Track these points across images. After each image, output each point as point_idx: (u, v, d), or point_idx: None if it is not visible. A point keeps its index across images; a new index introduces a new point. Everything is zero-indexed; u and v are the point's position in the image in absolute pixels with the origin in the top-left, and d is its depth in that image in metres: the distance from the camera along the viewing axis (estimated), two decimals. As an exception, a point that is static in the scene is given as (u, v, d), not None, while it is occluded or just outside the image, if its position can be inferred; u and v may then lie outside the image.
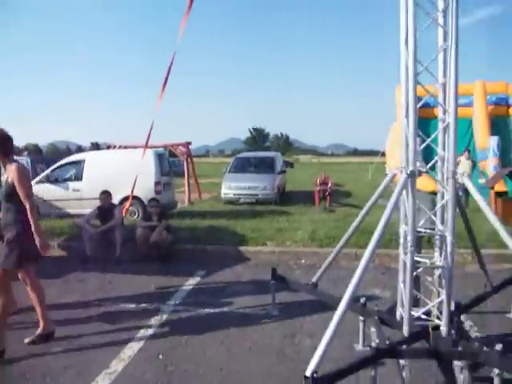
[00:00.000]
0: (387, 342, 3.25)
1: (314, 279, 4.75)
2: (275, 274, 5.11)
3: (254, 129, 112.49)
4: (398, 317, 3.75)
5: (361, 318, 4.15)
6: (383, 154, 23.29)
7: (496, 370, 3.02)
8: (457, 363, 3.45)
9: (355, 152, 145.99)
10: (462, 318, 4.46)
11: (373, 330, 3.98)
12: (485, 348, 3.17)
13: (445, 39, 3.44)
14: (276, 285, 5.13)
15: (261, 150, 63.96)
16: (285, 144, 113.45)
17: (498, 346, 3.03)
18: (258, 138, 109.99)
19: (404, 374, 3.37)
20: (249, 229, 8.89)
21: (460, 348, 3.38)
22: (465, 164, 12.97)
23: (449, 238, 3.41)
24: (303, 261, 7.40)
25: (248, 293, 5.81)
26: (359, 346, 4.17)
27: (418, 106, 3.40)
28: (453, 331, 3.57)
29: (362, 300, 4.13)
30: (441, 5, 3.43)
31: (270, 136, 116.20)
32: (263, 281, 5.49)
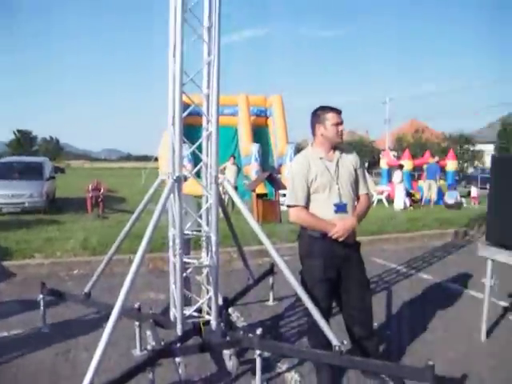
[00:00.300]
0: (162, 343, 3.34)
1: (86, 289, 4.57)
2: (45, 287, 4.74)
3: (18, 131, 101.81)
4: (171, 317, 3.86)
5: (136, 322, 4.17)
6: (156, 159, 23.66)
7: (257, 351, 3.41)
8: (226, 352, 3.77)
9: (129, 157, 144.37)
10: (230, 310, 4.87)
11: (148, 333, 4.07)
12: (249, 335, 3.55)
13: (209, 54, 3.66)
14: (46, 299, 4.75)
15: (27, 155, 58.51)
16: (55, 148, 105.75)
17: (258, 331, 3.43)
18: (24, 141, 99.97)
19: (180, 370, 3.53)
20: (13, 241, 8.09)
21: (228, 338, 3.70)
22: (231, 169, 14.00)
23: (213, 239, 3.66)
24: (76, 271, 7.05)
25: (14, 312, 5.22)
26: (137, 351, 4.18)
27: (185, 114, 3.54)
28: (222, 324, 3.83)
29: (137, 305, 4.16)
30: (206, 22, 3.66)
31: (38, 139, 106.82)
32: (32, 297, 5.05)
